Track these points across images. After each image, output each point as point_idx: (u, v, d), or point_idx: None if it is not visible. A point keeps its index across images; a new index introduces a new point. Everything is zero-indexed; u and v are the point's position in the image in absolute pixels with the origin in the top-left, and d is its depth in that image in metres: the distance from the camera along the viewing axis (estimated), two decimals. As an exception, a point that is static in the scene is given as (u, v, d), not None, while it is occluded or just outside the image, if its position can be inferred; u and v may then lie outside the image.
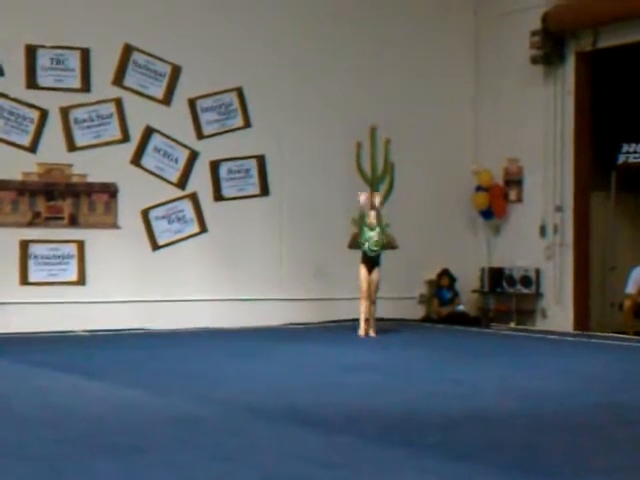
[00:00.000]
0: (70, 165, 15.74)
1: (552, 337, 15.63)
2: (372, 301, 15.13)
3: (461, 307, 17.75)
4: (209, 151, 16.49)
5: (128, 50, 16.05)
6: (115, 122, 15.97)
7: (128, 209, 15.98)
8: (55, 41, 15.63)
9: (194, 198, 16.45)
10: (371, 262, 15.07)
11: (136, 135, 16.08)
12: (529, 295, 17.32)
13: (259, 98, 16.75)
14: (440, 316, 17.66)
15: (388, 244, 15.60)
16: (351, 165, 16.56)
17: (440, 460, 6.71)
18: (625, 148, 17.02)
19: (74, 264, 15.69)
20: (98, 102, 15.88)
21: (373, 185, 16.44)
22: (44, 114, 15.59)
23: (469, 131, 18.20)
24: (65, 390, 9.86)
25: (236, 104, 16.70)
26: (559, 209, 16.94)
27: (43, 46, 15.57)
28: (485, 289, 17.90)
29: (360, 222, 15.16)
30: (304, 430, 7.73)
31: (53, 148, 15.60)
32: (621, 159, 17.10)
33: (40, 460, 6.66)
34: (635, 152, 16.92)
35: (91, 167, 15.76)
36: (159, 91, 16.23)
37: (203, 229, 16.50)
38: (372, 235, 15.03)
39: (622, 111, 16.74)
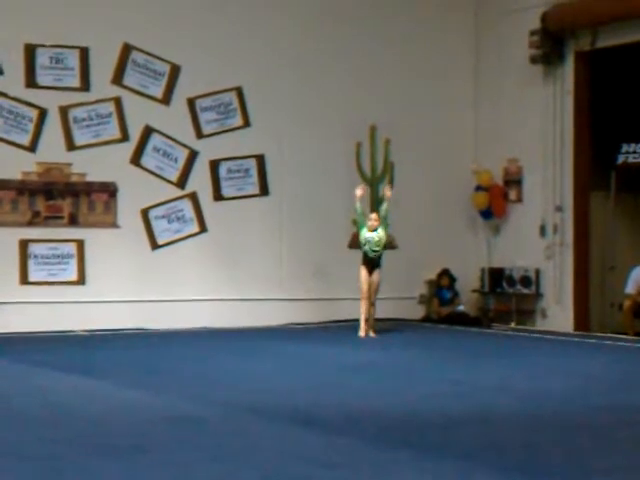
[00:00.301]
0: (69, 164, 15.74)
1: (552, 337, 15.62)
2: (371, 303, 15.10)
3: (461, 307, 17.73)
4: (209, 151, 16.48)
5: (127, 49, 16.04)
6: (114, 121, 15.97)
7: (128, 208, 15.98)
8: (54, 40, 15.63)
9: (194, 198, 16.44)
10: (372, 263, 15.01)
11: (135, 134, 16.08)
12: (529, 295, 17.31)
13: (259, 98, 16.74)
14: (440, 316, 17.65)
15: (388, 244, 15.57)
16: (351, 165, 16.57)
17: (440, 461, 6.71)
18: (625, 148, 16.99)
19: (74, 264, 15.69)
20: (97, 101, 15.88)
21: (373, 185, 16.44)
22: (43, 113, 15.59)
23: (469, 131, 18.19)
24: (65, 390, 9.86)
25: (235, 104, 16.69)
26: (559, 209, 16.94)
27: (42, 45, 15.57)
28: (485, 289, 17.89)
29: (360, 219, 15.04)
30: (304, 430, 7.73)
31: (52, 147, 15.60)
32: (621, 159, 17.07)
33: (40, 460, 6.65)
34: (635, 152, 16.90)
35: (90, 166, 15.76)
36: (158, 90, 16.23)
37: (203, 229, 16.49)
38: (372, 236, 14.97)
39: (622, 111, 16.72)
